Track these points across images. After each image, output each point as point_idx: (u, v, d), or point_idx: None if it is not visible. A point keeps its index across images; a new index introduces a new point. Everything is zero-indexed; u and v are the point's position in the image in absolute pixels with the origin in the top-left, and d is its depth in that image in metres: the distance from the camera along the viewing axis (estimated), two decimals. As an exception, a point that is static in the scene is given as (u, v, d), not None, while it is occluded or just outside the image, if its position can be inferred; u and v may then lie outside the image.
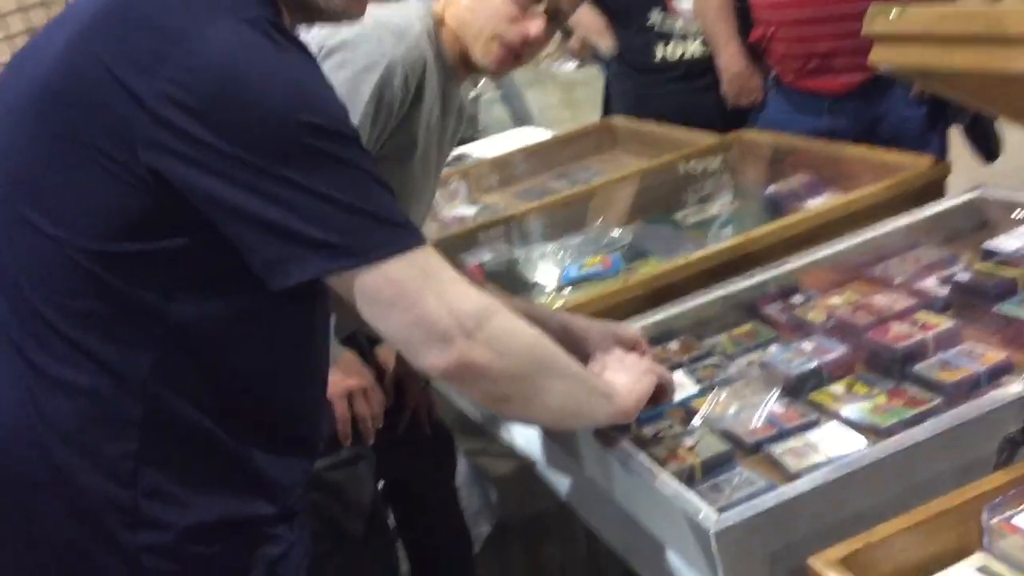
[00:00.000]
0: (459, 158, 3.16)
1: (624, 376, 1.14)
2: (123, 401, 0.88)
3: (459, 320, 0.90)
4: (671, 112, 2.42)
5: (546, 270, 1.74)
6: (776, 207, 1.89)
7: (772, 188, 1.94)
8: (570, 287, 1.62)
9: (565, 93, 7.93)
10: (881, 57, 1.16)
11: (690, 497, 1.05)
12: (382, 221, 0.87)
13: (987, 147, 2.09)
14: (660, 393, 1.19)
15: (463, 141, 3.94)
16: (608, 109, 2.80)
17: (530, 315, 1.08)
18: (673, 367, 1.36)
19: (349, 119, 0.89)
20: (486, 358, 0.92)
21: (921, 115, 2.13)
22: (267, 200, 0.83)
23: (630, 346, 1.26)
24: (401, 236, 0.88)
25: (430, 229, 2.30)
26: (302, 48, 0.89)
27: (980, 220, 1.59)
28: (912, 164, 1.67)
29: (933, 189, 1.63)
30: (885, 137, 2.11)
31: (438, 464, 1.84)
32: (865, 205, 1.59)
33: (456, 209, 2.47)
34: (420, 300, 0.89)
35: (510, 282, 1.76)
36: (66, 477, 0.89)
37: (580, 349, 1.22)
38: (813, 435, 1.16)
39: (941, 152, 2.13)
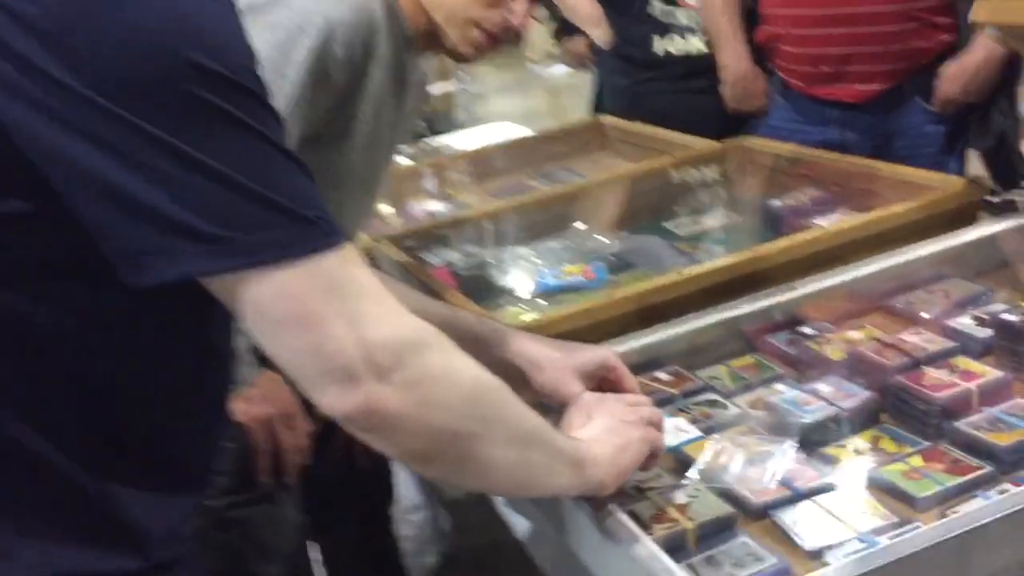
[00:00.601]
0: (434, 150, 2.95)
1: (608, 437, 0.91)
2: None
3: (370, 354, 0.68)
4: (667, 113, 2.21)
5: (519, 276, 1.52)
6: (780, 224, 1.68)
7: (777, 202, 1.73)
8: (544, 298, 1.40)
9: (551, 98, 7.72)
10: (985, 13, 0.94)
11: (680, 574, 0.83)
12: (284, 212, 0.65)
13: (1010, 173, 1.89)
14: (647, 460, 0.97)
15: (437, 132, 3.72)
16: (599, 108, 2.58)
17: (452, 327, 0.86)
18: (663, 402, 1.14)
19: (258, 70, 0.67)
20: (401, 406, 0.70)
21: (941, 133, 1.94)
22: (127, 165, 0.61)
23: (604, 379, 1.03)
24: (308, 234, 0.66)
25: (395, 223, 2.08)
26: None
27: (1017, 252, 1.40)
28: (943, 185, 1.47)
29: (965, 214, 1.43)
30: (899, 155, 1.91)
31: (373, 495, 1.61)
32: (890, 227, 1.39)
33: (424, 203, 2.25)
34: (321, 323, 0.67)
35: (480, 288, 1.53)
36: None
37: (515, 374, 1.00)
38: (833, 501, 0.95)
39: (959, 176, 1.93)
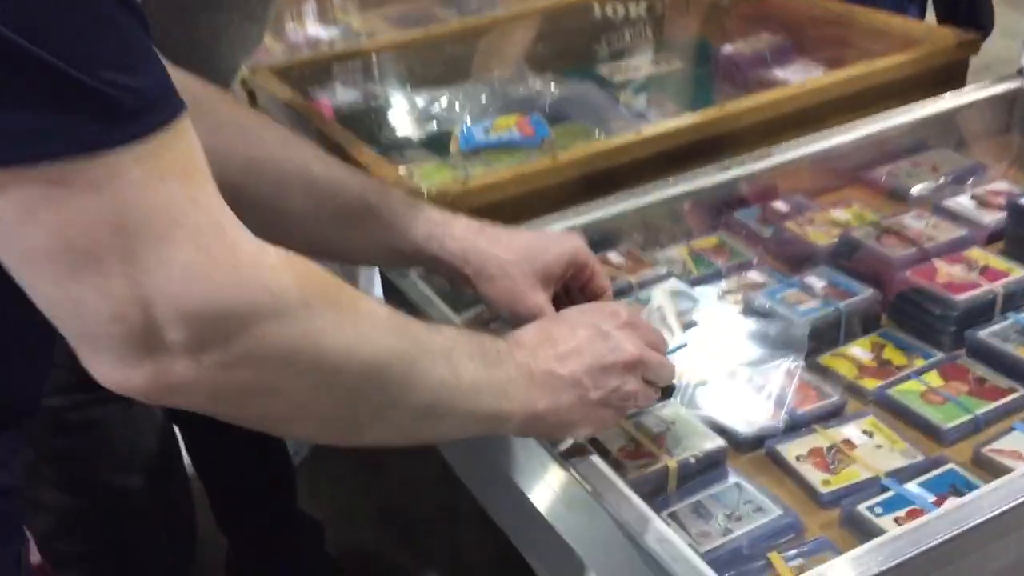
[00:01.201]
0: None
1: (568, 408, 0.65)
2: None
3: (157, 325, 0.45)
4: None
5: (435, 127, 1.25)
6: (733, 74, 1.46)
7: (728, 48, 1.50)
8: (470, 157, 1.14)
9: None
10: None
11: (663, 533, 0.64)
12: (61, 80, 0.40)
13: (976, 20, 1.71)
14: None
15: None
16: (509, -75, 2.25)
17: (369, 209, 0.69)
18: (618, 293, 0.93)
19: None
20: (214, 390, 0.48)
21: (904, -25, 1.73)
22: None
23: (573, 277, 0.80)
24: (95, 118, 0.41)
25: (275, 50, 1.76)
26: None
27: (1005, 120, 1.22)
28: (930, 37, 1.26)
29: (955, 73, 1.24)
30: (855, -3, 1.70)
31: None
32: (874, 85, 1.18)
33: (307, 28, 1.92)
34: (90, 270, 0.44)
35: (385, 140, 1.26)
36: None
37: (453, 273, 0.79)
38: (842, 430, 0.77)
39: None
